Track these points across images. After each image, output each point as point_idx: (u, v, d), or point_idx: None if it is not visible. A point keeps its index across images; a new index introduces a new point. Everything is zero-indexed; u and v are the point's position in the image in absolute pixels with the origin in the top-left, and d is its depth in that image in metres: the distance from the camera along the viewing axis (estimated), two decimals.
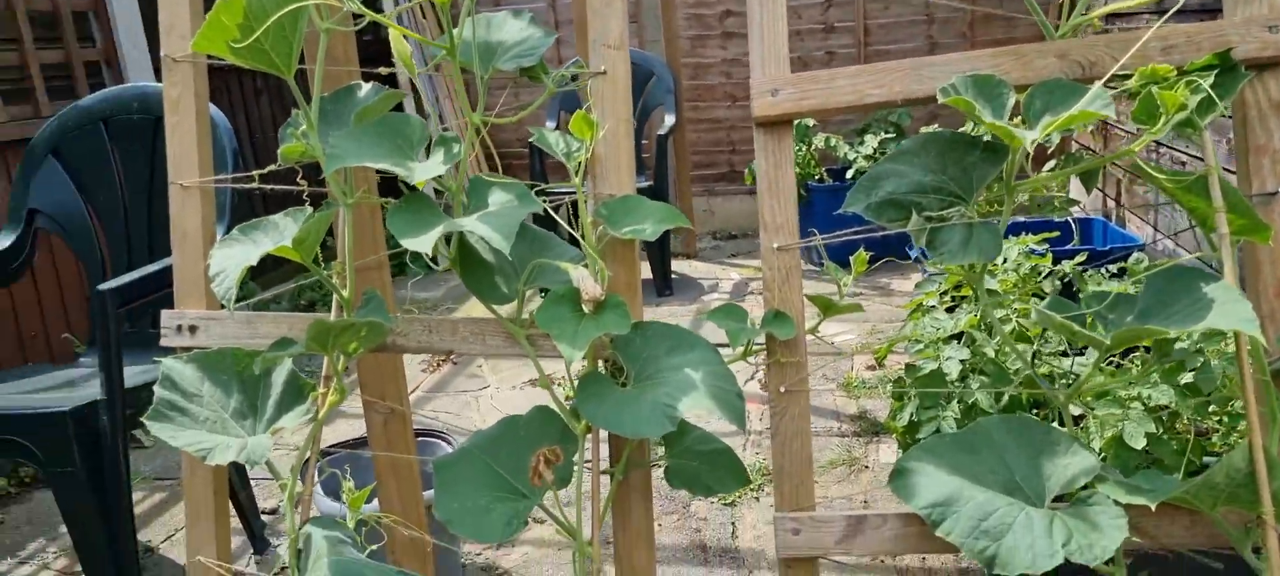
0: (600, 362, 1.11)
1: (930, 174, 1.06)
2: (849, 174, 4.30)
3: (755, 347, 1.15)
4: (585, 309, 1.03)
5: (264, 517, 2.64)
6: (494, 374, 3.64)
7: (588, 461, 1.11)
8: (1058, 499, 1.02)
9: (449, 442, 2.29)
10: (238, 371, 1.14)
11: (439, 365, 3.77)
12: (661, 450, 1.16)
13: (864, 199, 1.07)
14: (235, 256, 1.09)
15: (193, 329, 1.23)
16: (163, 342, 1.24)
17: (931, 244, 1.04)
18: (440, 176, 1.07)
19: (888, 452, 2.77)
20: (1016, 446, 1.06)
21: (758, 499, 2.58)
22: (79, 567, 2.40)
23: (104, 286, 1.92)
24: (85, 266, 2.47)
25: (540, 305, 1.05)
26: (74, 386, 2.17)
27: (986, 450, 1.06)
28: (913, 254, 3.06)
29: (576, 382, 1.07)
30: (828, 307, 1.14)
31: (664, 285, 4.37)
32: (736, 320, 1.11)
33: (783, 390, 1.11)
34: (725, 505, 2.55)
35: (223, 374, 1.14)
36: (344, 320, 1.08)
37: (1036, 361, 1.69)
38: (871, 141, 4.26)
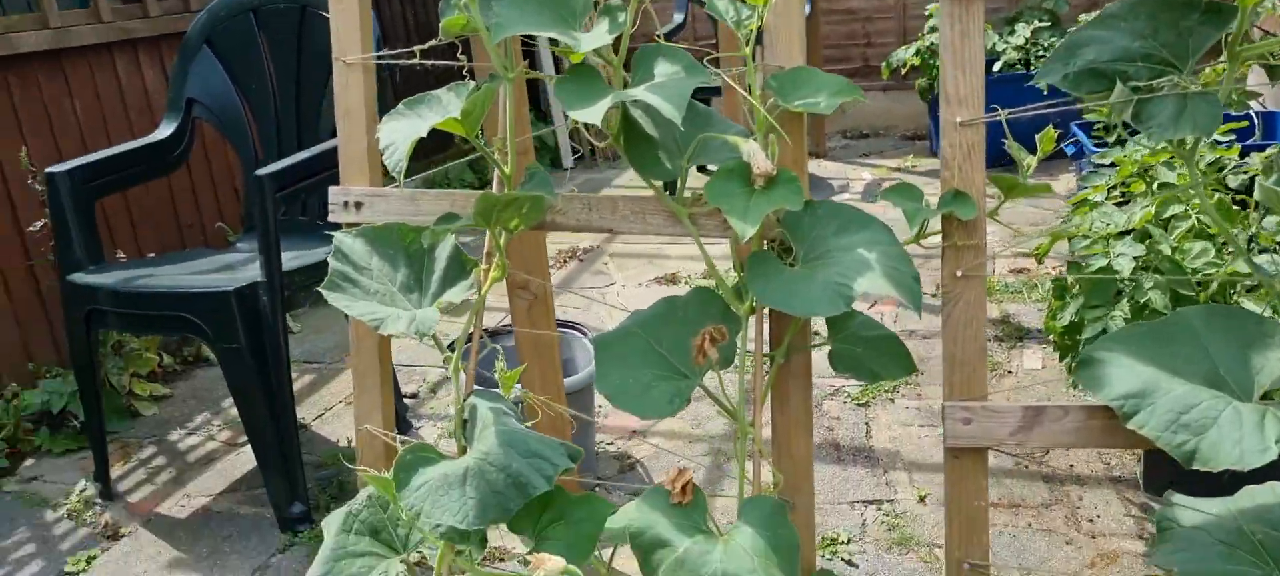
0: (766, 242, 1.08)
1: (1139, 39, 0.97)
2: (996, 66, 4.06)
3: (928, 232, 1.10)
4: (755, 184, 1.01)
5: (405, 400, 2.77)
6: (620, 271, 3.67)
7: (750, 349, 1.10)
8: (1267, 395, 0.95)
9: (584, 332, 2.33)
10: (404, 246, 1.17)
11: (564, 262, 3.83)
12: (823, 335, 1.13)
13: (1061, 68, 0.99)
14: (403, 129, 1.10)
15: (359, 205, 1.26)
16: (330, 218, 1.29)
17: (1138, 117, 0.96)
18: (600, 48, 1.05)
19: (1032, 358, 2.67)
20: (1221, 338, 0.99)
21: (892, 400, 2.54)
22: (243, 438, 2.59)
23: (262, 171, 2.01)
24: (238, 154, 2.59)
25: (709, 180, 1.03)
26: (233, 269, 2.30)
27: (1185, 341, 0.99)
28: (1069, 150, 2.88)
29: (743, 262, 1.05)
30: (1011, 188, 1.08)
31: None
32: (912, 199, 1.06)
33: (959, 275, 1.06)
34: (858, 405, 2.52)
35: (390, 248, 1.17)
36: (508, 194, 1.08)
37: (1223, 257, 1.57)
38: (1023, 30, 4.00)
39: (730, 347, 1.06)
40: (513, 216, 1.13)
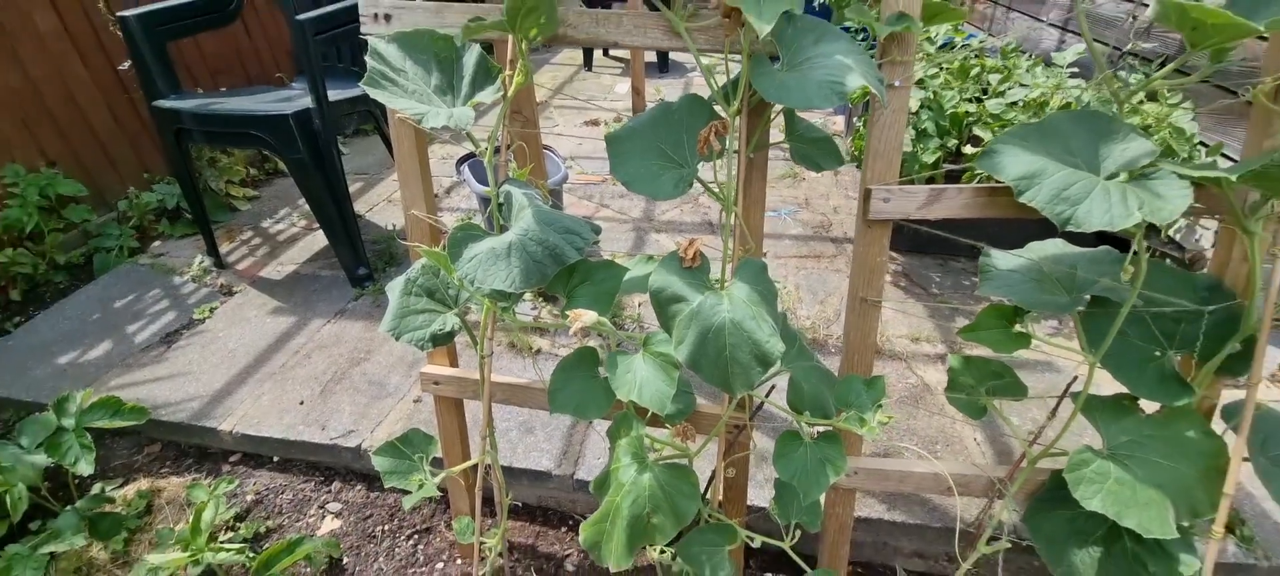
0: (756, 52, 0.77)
1: None
2: None
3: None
4: None
5: None
6: (560, 116, 3.21)
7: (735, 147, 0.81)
8: (1113, 177, 0.75)
9: (553, 151, 1.96)
10: (435, 52, 0.81)
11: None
12: (782, 137, 0.86)
13: None
14: None
15: (387, 16, 0.87)
16: (362, 31, 0.89)
17: None
18: None
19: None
20: (1082, 134, 0.77)
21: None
22: (316, 226, 2.17)
23: (301, 16, 1.50)
24: (283, 10, 1.99)
25: None
26: (290, 100, 1.80)
27: (1055, 138, 0.77)
28: None
29: (737, 72, 0.74)
30: (935, 16, 0.80)
31: (663, 66, 3.78)
32: (866, 17, 0.76)
33: (896, 84, 0.79)
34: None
35: (422, 54, 0.81)
36: (531, 1, 0.73)
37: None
38: None
39: (722, 142, 0.77)
40: (532, 26, 0.77)
